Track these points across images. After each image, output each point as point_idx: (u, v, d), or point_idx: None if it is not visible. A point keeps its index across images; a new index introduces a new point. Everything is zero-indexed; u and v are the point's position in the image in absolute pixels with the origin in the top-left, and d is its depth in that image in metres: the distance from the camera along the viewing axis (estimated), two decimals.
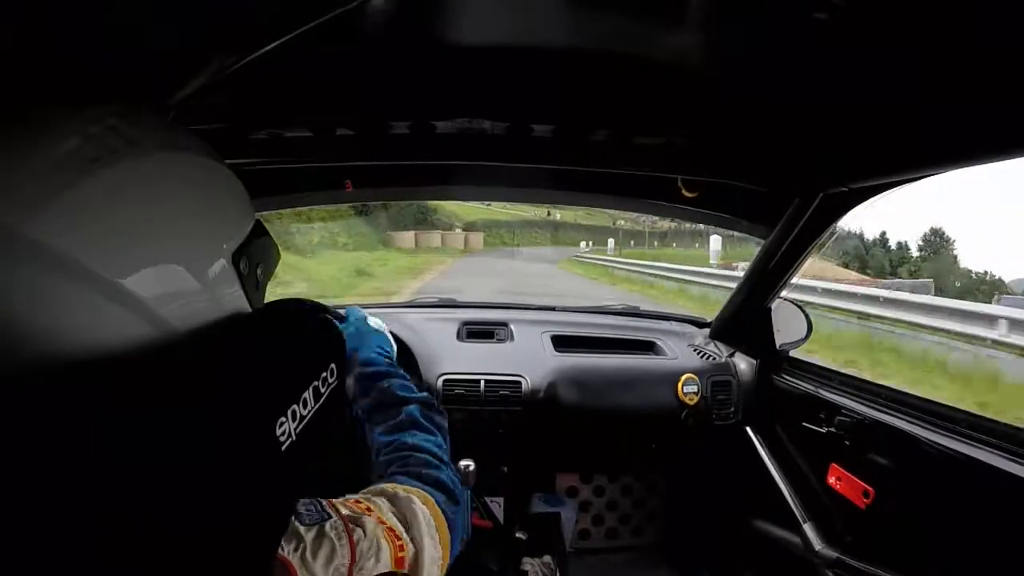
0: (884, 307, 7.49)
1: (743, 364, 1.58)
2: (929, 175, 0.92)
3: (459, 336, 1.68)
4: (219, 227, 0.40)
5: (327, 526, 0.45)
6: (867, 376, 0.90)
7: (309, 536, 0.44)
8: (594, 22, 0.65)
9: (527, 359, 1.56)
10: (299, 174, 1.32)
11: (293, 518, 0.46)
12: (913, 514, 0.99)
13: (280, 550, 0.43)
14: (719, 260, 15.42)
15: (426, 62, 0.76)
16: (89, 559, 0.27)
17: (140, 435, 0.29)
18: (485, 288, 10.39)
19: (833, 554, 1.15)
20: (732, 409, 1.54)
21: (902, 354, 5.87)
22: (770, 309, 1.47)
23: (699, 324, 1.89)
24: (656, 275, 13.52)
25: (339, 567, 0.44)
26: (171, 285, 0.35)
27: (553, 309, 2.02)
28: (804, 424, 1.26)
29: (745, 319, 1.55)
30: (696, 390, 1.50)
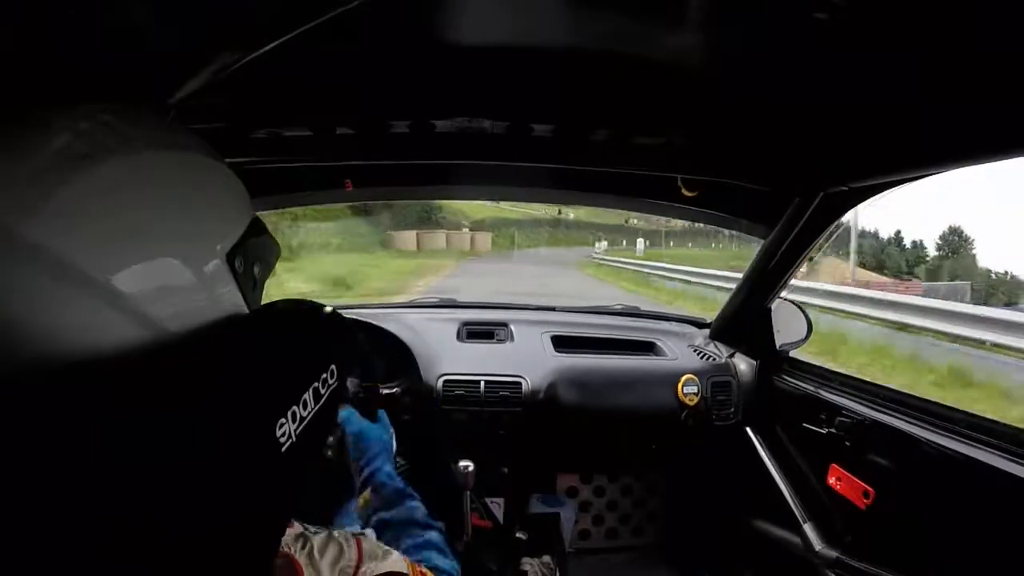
0: (925, 317, 6.67)
1: (743, 365, 1.58)
2: (929, 175, 0.92)
3: (459, 336, 1.68)
4: (213, 225, 0.40)
5: (336, 533, 0.47)
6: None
7: (317, 539, 0.45)
8: (594, 22, 0.65)
9: (527, 360, 1.56)
10: (299, 174, 1.33)
11: (304, 527, 0.47)
12: (913, 514, 0.99)
13: (287, 549, 0.43)
14: None
15: (426, 62, 0.76)
16: (89, 559, 0.27)
17: (140, 435, 0.29)
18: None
19: (833, 554, 1.15)
20: (732, 410, 1.54)
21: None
22: (770, 309, 1.47)
23: (699, 325, 1.89)
24: (716, 286, 10.53)
25: (345, 568, 0.45)
26: (162, 283, 0.34)
27: (553, 309, 2.02)
28: (804, 425, 1.26)
29: (745, 319, 1.55)
30: (696, 391, 1.50)
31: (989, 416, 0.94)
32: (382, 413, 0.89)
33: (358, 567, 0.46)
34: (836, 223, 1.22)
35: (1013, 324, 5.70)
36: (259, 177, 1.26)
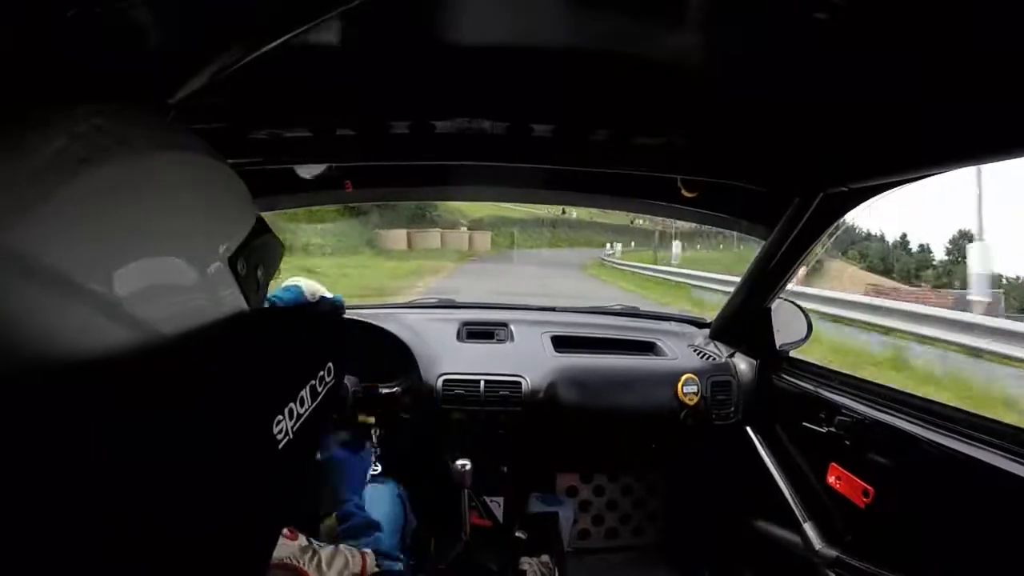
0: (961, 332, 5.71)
1: (743, 364, 1.58)
2: (929, 175, 0.92)
3: (459, 336, 1.68)
4: (214, 227, 0.40)
5: (342, 547, 0.48)
6: None
7: (325, 552, 0.47)
8: (594, 22, 0.65)
9: (527, 359, 1.56)
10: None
11: (307, 543, 0.48)
12: (913, 514, 0.99)
13: (296, 562, 0.44)
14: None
15: (426, 62, 0.76)
16: (89, 559, 0.27)
17: (137, 435, 0.29)
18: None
19: (833, 553, 1.15)
20: (732, 409, 1.54)
21: None
22: (770, 309, 1.47)
23: (699, 324, 1.90)
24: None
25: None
26: (162, 287, 0.34)
27: (553, 309, 2.02)
28: (804, 424, 1.26)
29: (745, 319, 1.55)
30: (696, 390, 1.51)
31: (989, 416, 0.95)
32: (370, 443, 0.90)
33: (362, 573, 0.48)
34: (836, 224, 1.22)
35: None
36: (259, 177, 1.26)
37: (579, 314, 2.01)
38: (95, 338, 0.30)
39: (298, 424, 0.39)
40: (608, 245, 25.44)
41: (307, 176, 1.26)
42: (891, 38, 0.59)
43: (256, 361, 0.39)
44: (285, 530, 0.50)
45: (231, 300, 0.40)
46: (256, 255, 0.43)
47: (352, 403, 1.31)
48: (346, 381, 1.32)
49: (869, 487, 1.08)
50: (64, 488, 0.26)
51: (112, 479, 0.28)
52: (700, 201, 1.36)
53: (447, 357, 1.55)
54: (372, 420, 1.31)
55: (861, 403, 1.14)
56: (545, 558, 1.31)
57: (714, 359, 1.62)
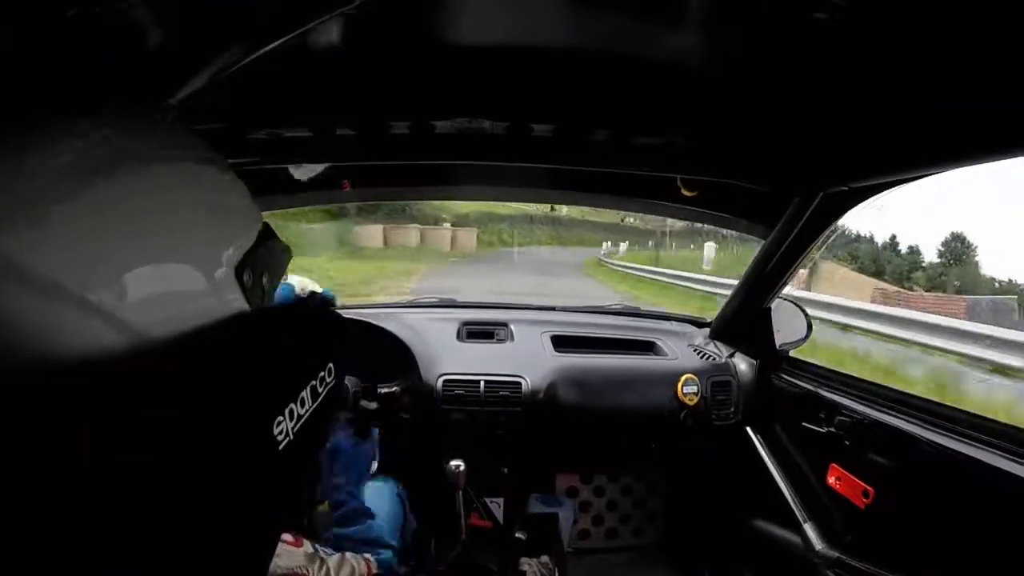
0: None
1: (743, 364, 1.58)
2: (929, 174, 0.92)
3: (459, 336, 1.68)
4: (219, 236, 0.40)
5: (348, 555, 0.49)
6: None
7: (332, 560, 0.47)
8: (594, 22, 0.65)
9: (527, 359, 1.56)
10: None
11: (313, 551, 0.48)
12: (913, 514, 0.99)
13: (303, 571, 0.44)
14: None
15: (426, 62, 0.76)
16: (87, 559, 0.27)
17: (137, 435, 0.29)
18: None
19: (833, 554, 1.15)
20: (732, 409, 1.54)
21: None
22: (770, 309, 1.47)
23: (699, 324, 1.90)
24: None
25: None
26: (169, 295, 0.34)
27: (553, 309, 2.02)
28: (804, 424, 1.26)
29: (745, 319, 1.55)
30: (696, 390, 1.51)
31: (989, 416, 0.95)
32: (374, 433, 0.90)
33: None
34: (835, 224, 1.22)
35: None
36: (259, 177, 1.26)
37: (579, 314, 2.01)
38: (97, 341, 0.30)
39: (299, 425, 0.39)
40: (605, 244, 23.91)
41: (302, 178, 1.26)
42: (891, 38, 0.59)
43: (256, 362, 0.39)
44: (289, 537, 0.50)
45: (235, 305, 0.40)
46: (262, 262, 0.43)
47: (353, 403, 1.31)
48: (346, 381, 1.32)
49: (869, 487, 1.08)
50: (63, 488, 0.26)
51: (111, 479, 0.28)
52: (700, 200, 1.36)
53: (447, 357, 1.55)
54: (373, 406, 1.30)
55: (861, 403, 1.14)
56: (545, 558, 1.31)
57: (714, 359, 1.62)
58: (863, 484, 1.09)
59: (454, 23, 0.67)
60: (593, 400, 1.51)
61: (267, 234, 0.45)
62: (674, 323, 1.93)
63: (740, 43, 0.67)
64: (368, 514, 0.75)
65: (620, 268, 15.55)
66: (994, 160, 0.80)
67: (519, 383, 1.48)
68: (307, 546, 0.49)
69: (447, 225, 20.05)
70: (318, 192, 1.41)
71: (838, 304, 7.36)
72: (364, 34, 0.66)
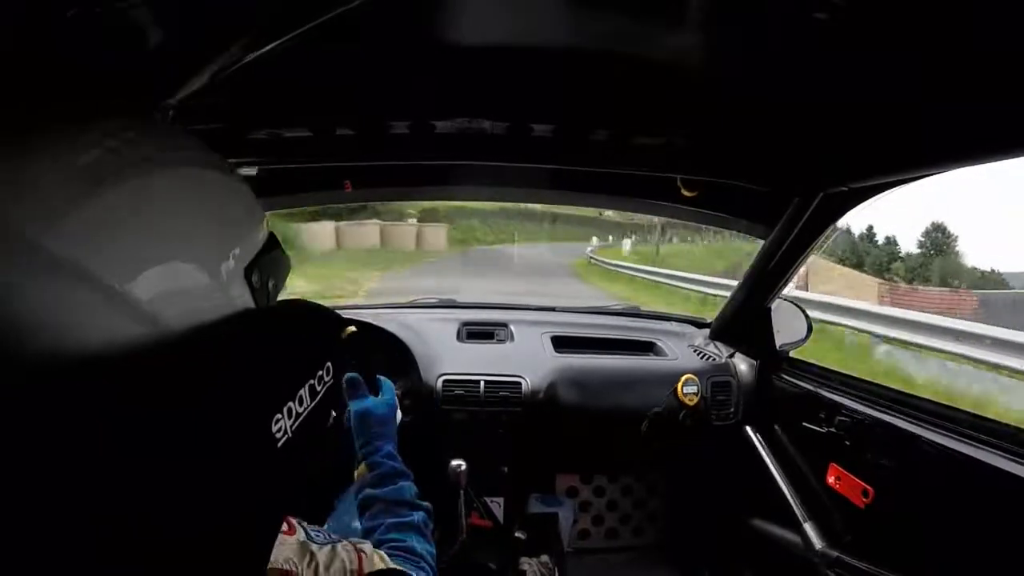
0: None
1: (743, 364, 1.58)
2: (929, 175, 0.92)
3: (459, 336, 1.68)
4: (230, 237, 0.41)
5: (339, 547, 0.49)
6: None
7: (322, 554, 0.47)
8: (594, 22, 0.65)
9: (527, 360, 1.56)
10: (299, 174, 1.33)
11: (305, 539, 0.48)
12: (912, 514, 0.99)
13: (292, 566, 0.44)
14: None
15: (426, 62, 0.76)
16: (87, 559, 0.27)
17: (139, 433, 0.29)
18: None
19: (833, 554, 1.15)
20: (732, 409, 1.54)
21: None
22: (770, 309, 1.47)
23: (699, 324, 1.90)
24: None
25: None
26: (180, 292, 0.35)
27: (553, 309, 2.02)
28: (804, 424, 1.26)
29: (745, 319, 1.55)
30: (696, 391, 1.50)
31: (989, 416, 0.95)
32: (387, 385, 0.88)
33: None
34: (835, 224, 1.22)
35: None
36: (259, 177, 1.26)
37: (579, 314, 2.01)
38: (108, 335, 0.31)
39: (297, 423, 0.40)
40: (593, 239, 21.40)
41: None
42: (891, 38, 0.59)
43: (256, 359, 0.39)
44: (283, 525, 0.50)
45: (240, 304, 0.41)
46: (268, 268, 0.44)
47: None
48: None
49: (869, 487, 1.08)
50: (64, 485, 0.26)
51: (112, 477, 0.28)
52: (700, 200, 1.36)
53: (447, 357, 1.55)
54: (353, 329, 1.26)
55: (861, 403, 1.14)
56: (545, 558, 1.32)
57: (714, 359, 1.62)
58: (863, 484, 1.09)
59: (454, 23, 0.67)
60: (593, 400, 1.51)
61: (273, 242, 0.46)
62: (674, 323, 1.93)
63: (740, 43, 0.67)
64: (404, 475, 0.75)
65: (615, 268, 13.78)
66: (994, 160, 0.80)
67: (519, 383, 1.48)
68: (299, 533, 0.49)
69: (412, 221, 17.27)
70: (318, 192, 1.42)
71: (847, 307, 6.37)
72: (364, 34, 0.66)
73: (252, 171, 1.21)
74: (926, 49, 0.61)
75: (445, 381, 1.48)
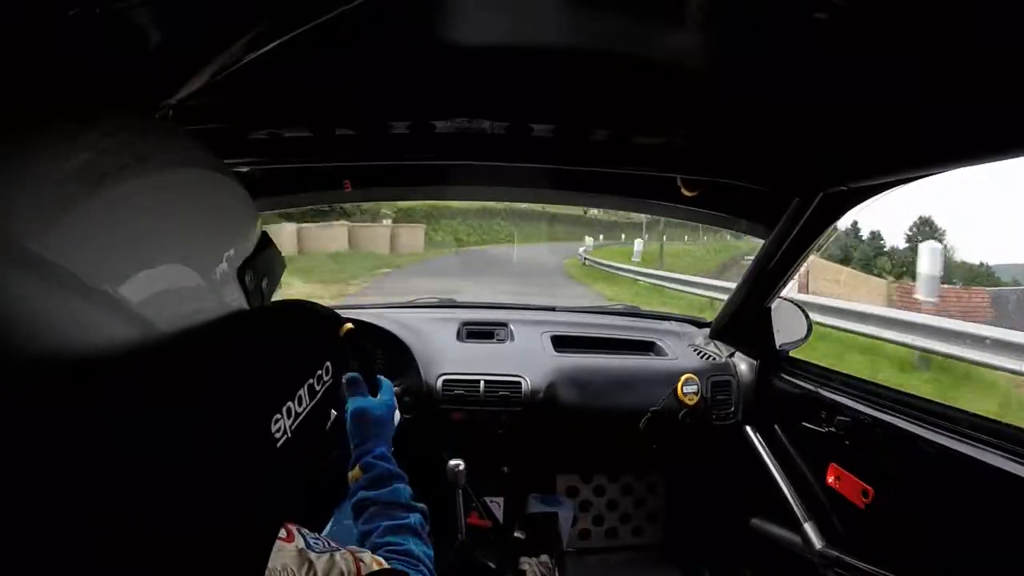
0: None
1: (743, 364, 1.58)
2: (929, 174, 0.92)
3: (459, 336, 1.68)
4: (223, 238, 0.41)
5: (337, 556, 0.48)
6: None
7: (320, 562, 0.47)
8: (594, 22, 0.65)
9: (527, 359, 1.56)
10: (299, 174, 1.33)
11: (304, 547, 0.48)
12: (912, 513, 0.99)
13: (290, 574, 0.44)
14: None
15: (426, 62, 0.76)
16: (86, 560, 0.27)
17: (136, 433, 0.29)
18: None
19: (833, 553, 1.15)
20: (732, 409, 1.54)
21: None
22: (770, 309, 1.47)
23: (699, 324, 1.90)
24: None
25: None
26: (172, 293, 0.35)
27: (553, 309, 2.02)
28: (804, 424, 1.26)
29: (745, 319, 1.55)
30: (696, 390, 1.51)
31: (989, 416, 0.95)
32: (386, 385, 0.87)
33: None
34: (835, 223, 1.22)
35: None
36: (259, 178, 1.26)
37: (579, 314, 2.01)
38: (103, 336, 0.31)
39: (296, 423, 0.40)
40: (587, 239, 20.18)
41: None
42: (891, 38, 0.59)
43: (254, 359, 0.39)
44: (282, 532, 0.50)
45: (235, 305, 0.41)
46: (262, 268, 0.44)
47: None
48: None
49: (869, 487, 1.08)
50: (62, 487, 0.26)
51: (110, 478, 0.28)
52: (700, 200, 1.36)
53: (447, 357, 1.55)
54: (351, 326, 1.26)
55: (861, 403, 1.14)
56: (544, 558, 1.31)
57: (714, 359, 1.62)
58: (863, 484, 1.09)
59: (454, 23, 0.67)
60: (593, 400, 1.51)
61: (266, 241, 0.46)
62: (674, 323, 1.93)
63: (740, 43, 0.67)
64: (398, 477, 0.74)
65: (614, 270, 12.79)
66: (994, 160, 0.80)
67: (519, 383, 1.48)
68: (298, 540, 0.49)
69: (387, 222, 15.54)
70: (318, 192, 1.42)
71: (867, 313, 5.81)
72: (364, 34, 0.66)
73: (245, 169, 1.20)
74: (926, 49, 0.61)
75: (445, 381, 1.48)
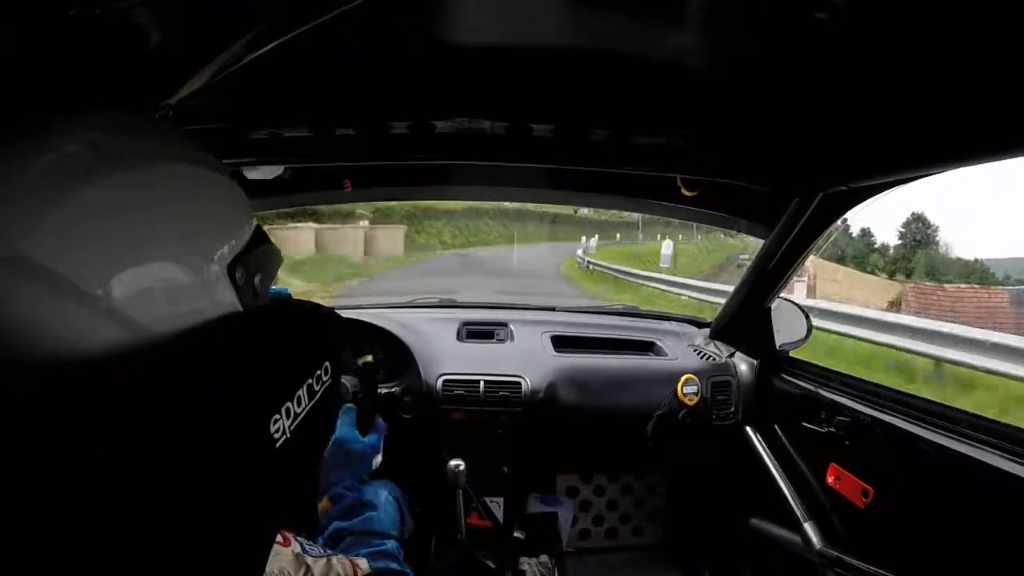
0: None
1: (743, 364, 1.58)
2: (929, 174, 0.92)
3: (459, 336, 1.68)
4: (211, 235, 0.40)
5: (334, 560, 0.49)
6: None
7: (318, 567, 0.47)
8: (594, 22, 0.65)
9: (527, 359, 1.56)
10: (299, 174, 1.33)
11: (300, 551, 0.48)
12: (912, 513, 0.99)
13: None
14: None
15: (426, 62, 0.76)
16: (85, 561, 0.27)
17: (134, 435, 0.29)
18: None
19: (833, 553, 1.15)
20: (732, 409, 1.54)
21: None
22: (770, 309, 1.47)
23: (699, 324, 1.90)
24: None
25: None
26: (162, 293, 0.34)
27: (553, 309, 2.02)
28: (804, 424, 1.26)
29: (745, 319, 1.55)
30: (696, 390, 1.51)
31: (989, 416, 0.95)
32: (379, 426, 0.88)
33: None
34: (835, 223, 1.22)
35: None
36: (258, 178, 1.26)
37: (579, 314, 2.01)
38: (93, 339, 0.30)
39: (295, 423, 0.40)
40: (583, 239, 18.72)
41: (268, 176, 1.24)
42: (891, 38, 0.59)
43: (253, 359, 0.39)
44: (279, 536, 0.50)
45: (227, 303, 0.40)
46: (255, 263, 0.43)
47: (352, 397, 1.31)
48: (344, 381, 1.32)
49: (869, 487, 1.08)
50: (61, 487, 0.26)
51: (108, 479, 0.28)
52: (700, 200, 1.36)
53: (447, 357, 1.55)
54: (370, 359, 1.27)
55: (861, 403, 1.14)
56: (544, 558, 1.31)
57: (714, 359, 1.62)
58: (863, 484, 1.09)
59: (454, 23, 0.67)
60: (593, 400, 1.51)
61: (260, 236, 0.45)
62: (674, 323, 1.93)
63: (740, 43, 0.67)
64: (369, 506, 0.75)
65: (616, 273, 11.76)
66: (994, 160, 0.80)
67: (519, 383, 1.48)
68: (295, 545, 0.49)
69: (363, 223, 13.79)
70: (318, 192, 1.42)
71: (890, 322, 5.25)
72: (364, 34, 0.66)
73: (279, 171, 1.21)
74: (926, 49, 0.61)
75: (445, 381, 1.48)
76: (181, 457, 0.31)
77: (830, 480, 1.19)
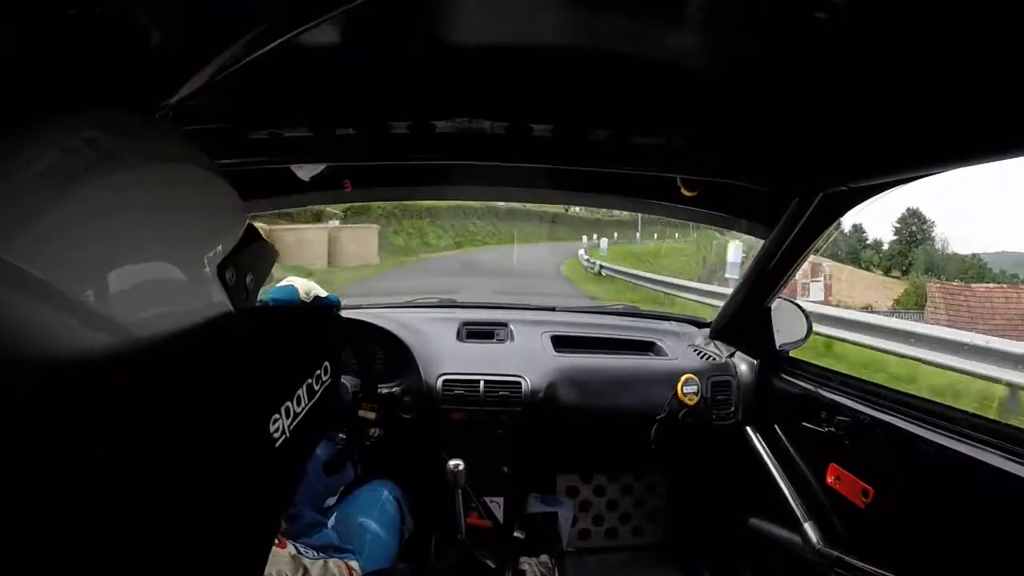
0: None
1: (743, 364, 1.58)
2: (929, 174, 0.92)
3: (459, 336, 1.68)
4: (201, 237, 0.39)
5: (331, 563, 0.49)
6: None
7: (315, 568, 0.47)
8: (594, 22, 0.65)
9: (527, 359, 1.56)
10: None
11: (297, 553, 0.49)
12: (912, 513, 0.99)
13: None
14: None
15: (426, 62, 0.76)
16: (85, 561, 0.27)
17: (134, 435, 0.29)
18: None
19: (833, 553, 1.15)
20: (732, 409, 1.54)
21: None
22: (770, 309, 1.47)
23: (699, 324, 1.90)
24: None
25: None
26: (154, 295, 0.34)
27: (553, 309, 2.02)
28: (804, 424, 1.26)
29: (745, 319, 1.55)
30: (696, 390, 1.51)
31: (989, 416, 0.95)
32: (348, 474, 0.91)
33: None
34: (835, 223, 1.22)
35: None
36: (259, 177, 1.26)
37: (579, 314, 2.01)
38: (88, 343, 0.30)
39: (295, 423, 0.40)
40: (586, 239, 17.33)
41: (305, 177, 1.26)
42: (891, 38, 0.59)
43: (252, 360, 0.39)
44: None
45: (218, 304, 0.40)
46: (246, 263, 0.43)
47: (352, 403, 1.31)
48: (344, 381, 1.32)
49: (869, 487, 1.08)
50: (61, 488, 0.26)
51: (108, 480, 0.28)
52: (700, 200, 1.36)
53: (447, 357, 1.55)
54: (372, 416, 1.31)
55: (861, 403, 1.14)
56: (544, 558, 1.31)
57: (714, 359, 1.62)
58: (863, 484, 1.09)
59: (454, 23, 0.67)
60: (593, 400, 1.51)
61: (252, 235, 0.45)
62: (674, 323, 1.93)
63: (740, 43, 0.67)
64: (319, 524, 0.78)
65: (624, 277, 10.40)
66: (994, 160, 0.80)
67: (519, 383, 1.48)
68: (290, 547, 0.49)
69: (335, 222, 11.80)
70: (318, 192, 1.42)
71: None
72: (364, 34, 0.66)
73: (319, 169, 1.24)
74: (926, 49, 0.61)
75: (445, 381, 1.48)
76: (181, 457, 0.31)
77: (830, 480, 1.19)
